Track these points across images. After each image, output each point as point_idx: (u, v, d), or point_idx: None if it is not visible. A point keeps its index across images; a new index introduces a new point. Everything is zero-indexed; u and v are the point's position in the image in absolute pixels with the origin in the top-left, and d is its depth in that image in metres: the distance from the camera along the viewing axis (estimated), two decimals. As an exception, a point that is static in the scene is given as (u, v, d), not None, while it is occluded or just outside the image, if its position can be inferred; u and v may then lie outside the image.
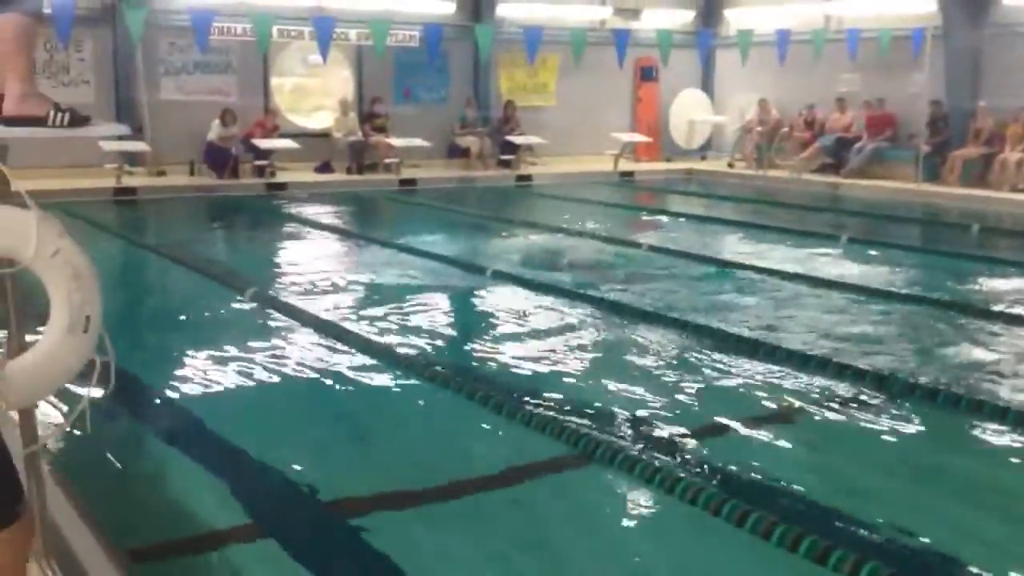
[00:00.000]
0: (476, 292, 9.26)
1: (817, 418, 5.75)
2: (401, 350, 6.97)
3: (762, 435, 5.51)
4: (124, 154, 15.38)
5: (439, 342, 7.37)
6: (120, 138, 13.71)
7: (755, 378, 6.45)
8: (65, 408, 3.97)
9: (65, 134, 3.24)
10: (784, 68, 18.40)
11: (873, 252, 11.15)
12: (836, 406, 5.95)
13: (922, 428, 5.70)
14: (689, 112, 21.49)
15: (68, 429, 3.20)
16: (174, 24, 16.56)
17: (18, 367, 3.02)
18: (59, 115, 3.24)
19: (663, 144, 21.32)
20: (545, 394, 6.08)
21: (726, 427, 5.61)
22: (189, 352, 6.98)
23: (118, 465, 5.03)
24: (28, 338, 3.12)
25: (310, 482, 4.77)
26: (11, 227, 2.98)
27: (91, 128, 3.41)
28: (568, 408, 5.78)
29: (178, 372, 6.55)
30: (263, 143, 16.63)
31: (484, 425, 5.61)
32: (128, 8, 15.46)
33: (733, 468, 4.98)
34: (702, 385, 6.33)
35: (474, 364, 6.86)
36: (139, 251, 11.51)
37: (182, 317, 8.18)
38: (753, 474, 4.92)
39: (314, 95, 19.16)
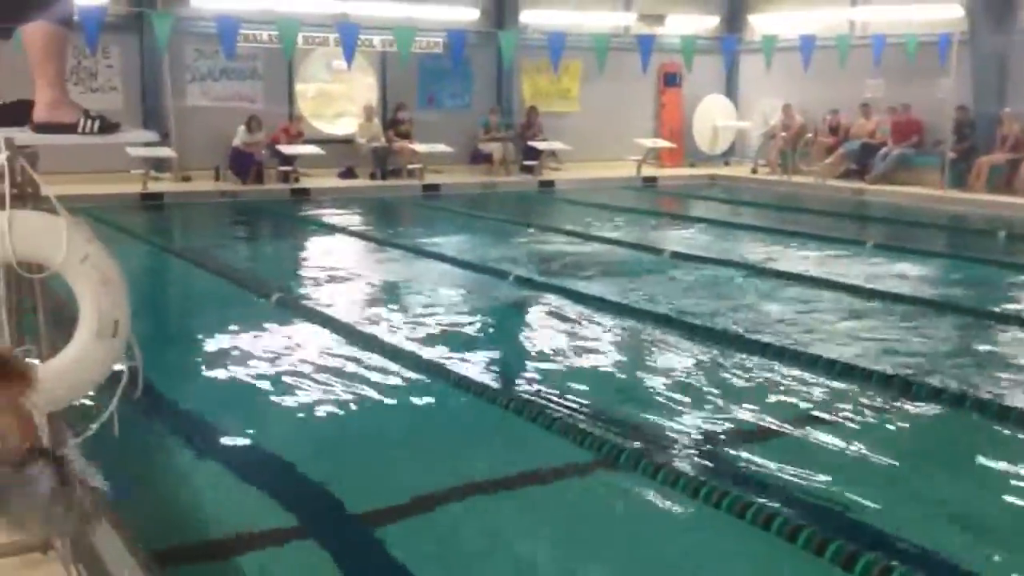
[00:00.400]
0: (498, 297, 9.27)
1: (842, 423, 5.72)
2: (425, 355, 6.99)
3: (787, 440, 5.49)
4: (150, 160, 15.52)
5: (462, 346, 7.38)
6: (147, 144, 13.82)
7: (780, 384, 6.43)
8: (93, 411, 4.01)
9: (95, 141, 3.28)
10: (808, 73, 18.31)
11: (899, 258, 11.08)
12: (862, 411, 5.92)
13: (949, 434, 5.66)
14: (713, 118, 21.44)
15: (95, 433, 3.24)
16: (201, 31, 16.69)
17: (47, 371, 3.06)
18: (89, 122, 3.28)
19: (686, 150, 21.28)
20: (568, 398, 6.09)
21: (750, 432, 5.60)
22: (215, 357, 7.03)
23: (145, 468, 5.07)
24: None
25: (336, 486, 4.79)
26: (41, 233, 3.03)
27: (121, 135, 3.45)
28: (591, 413, 5.78)
29: (204, 376, 6.60)
30: (288, 149, 16.73)
31: (507, 429, 5.62)
32: (155, 15, 15.59)
33: (758, 473, 4.96)
34: (726, 390, 6.31)
35: (497, 368, 6.87)
36: (165, 256, 11.60)
37: (208, 322, 8.24)
38: (778, 479, 4.91)
39: (338, 101, 19.25)
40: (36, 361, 3.07)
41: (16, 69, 3.61)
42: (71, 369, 3.07)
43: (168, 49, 15.97)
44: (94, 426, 3.18)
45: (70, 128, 3.31)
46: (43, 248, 3.03)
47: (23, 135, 3.24)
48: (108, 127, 3.34)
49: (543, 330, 7.94)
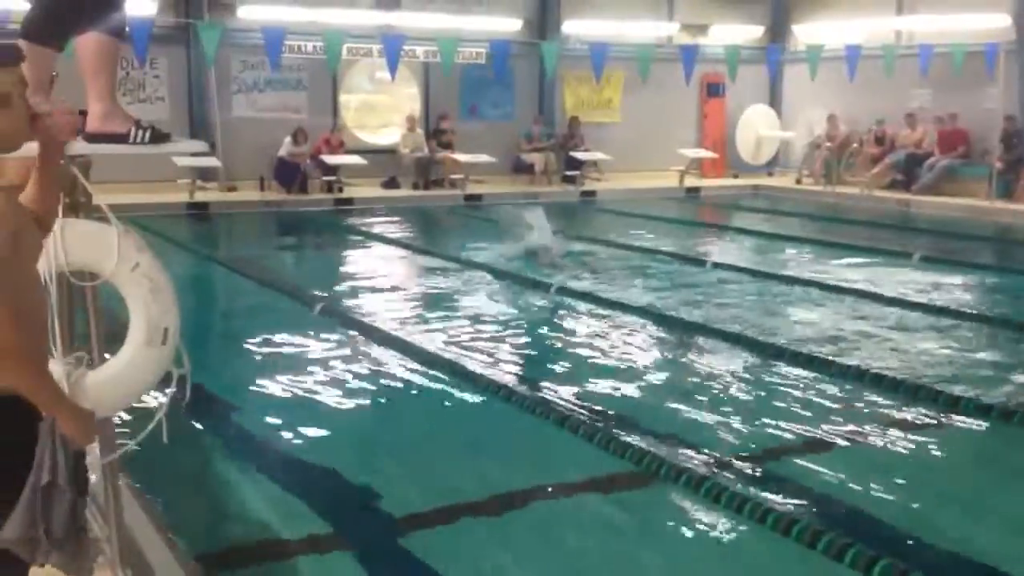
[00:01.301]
0: (541, 307, 9.26)
1: (888, 439, 5.65)
2: (467, 364, 7.00)
3: (832, 455, 5.43)
4: (197, 170, 15.70)
5: (504, 356, 7.39)
6: (194, 154, 13.98)
7: (825, 397, 6.37)
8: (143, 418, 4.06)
9: (146, 151, 3.33)
10: (854, 83, 18.14)
11: (946, 271, 10.92)
12: (909, 426, 5.85)
13: (997, 450, 5.57)
14: (756, 128, 21.29)
15: (144, 439, 3.27)
16: (247, 43, 16.87)
17: (98, 378, 3.10)
18: (140, 132, 3.32)
19: (730, 160, 21.15)
20: (609, 410, 6.07)
21: (795, 446, 5.54)
22: (259, 365, 7.09)
23: (191, 475, 5.12)
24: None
25: (378, 494, 4.82)
26: (93, 241, 3.07)
27: (171, 145, 3.49)
28: (633, 425, 5.76)
29: (249, 384, 6.65)
30: (331, 159, 16.85)
31: (548, 440, 5.61)
32: (203, 27, 15.79)
33: (803, 488, 4.91)
34: (770, 403, 6.26)
35: (538, 379, 6.86)
36: (211, 265, 11.72)
37: (252, 330, 8.31)
38: (823, 494, 4.85)
39: (382, 111, 19.36)
40: (87, 368, 3.12)
41: (69, 79, 3.66)
42: (121, 376, 3.11)
43: (215, 60, 16.16)
44: (143, 433, 3.22)
45: (121, 138, 3.35)
46: (95, 257, 3.08)
47: (76, 145, 3.29)
48: (159, 137, 3.38)
49: (585, 340, 7.92)
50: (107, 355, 3.24)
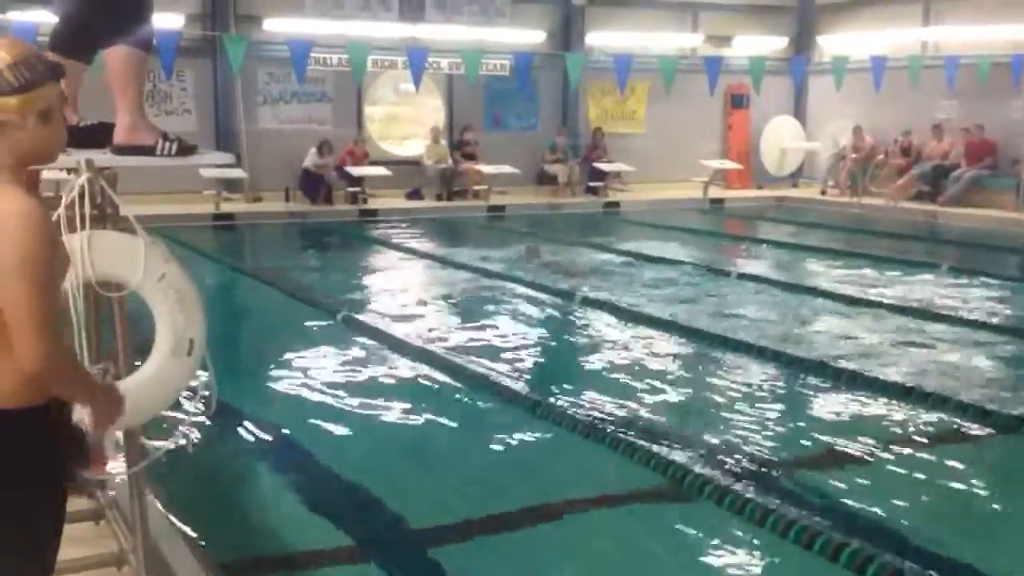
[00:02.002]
0: (565, 318, 9.26)
1: (915, 452, 5.60)
2: (490, 375, 7.00)
3: (858, 468, 5.39)
4: (223, 181, 15.81)
5: (528, 367, 7.38)
6: (219, 165, 14.08)
7: (852, 409, 6.32)
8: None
9: (173, 163, 3.35)
10: (879, 95, 18.05)
11: (974, 283, 10.83)
12: (936, 440, 5.79)
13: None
14: (781, 139, 21.21)
15: (170, 449, 3.29)
16: (273, 55, 16.99)
17: (124, 389, 3.12)
18: (167, 144, 3.35)
19: (754, 171, 21.07)
20: (634, 421, 6.05)
21: (820, 459, 5.51)
22: (283, 374, 7.11)
23: (216, 484, 5.14)
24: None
25: (403, 505, 4.81)
26: (120, 252, 3.10)
27: (197, 157, 3.51)
28: (657, 436, 5.74)
29: (273, 394, 6.68)
30: (356, 170, 16.92)
31: (572, 451, 5.60)
32: (229, 39, 15.90)
33: (827, 501, 4.87)
34: (796, 416, 6.22)
35: (563, 390, 6.85)
36: (236, 275, 11.79)
37: (277, 340, 8.35)
38: (848, 507, 4.81)
39: (406, 123, 19.43)
40: (114, 379, 3.14)
41: (97, 92, 3.70)
42: (147, 387, 3.12)
43: (241, 72, 16.27)
44: (169, 442, 3.23)
45: (149, 150, 3.38)
46: (121, 267, 3.10)
47: (103, 156, 3.32)
48: (185, 149, 3.41)
49: (609, 351, 7.90)
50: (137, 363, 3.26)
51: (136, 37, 3.41)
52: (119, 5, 3.35)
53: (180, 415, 3.33)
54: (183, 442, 3.22)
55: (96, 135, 3.47)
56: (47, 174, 3.78)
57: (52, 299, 2.34)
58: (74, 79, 3.57)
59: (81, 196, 3.10)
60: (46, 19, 3.54)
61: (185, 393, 3.26)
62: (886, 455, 5.58)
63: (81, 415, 2.57)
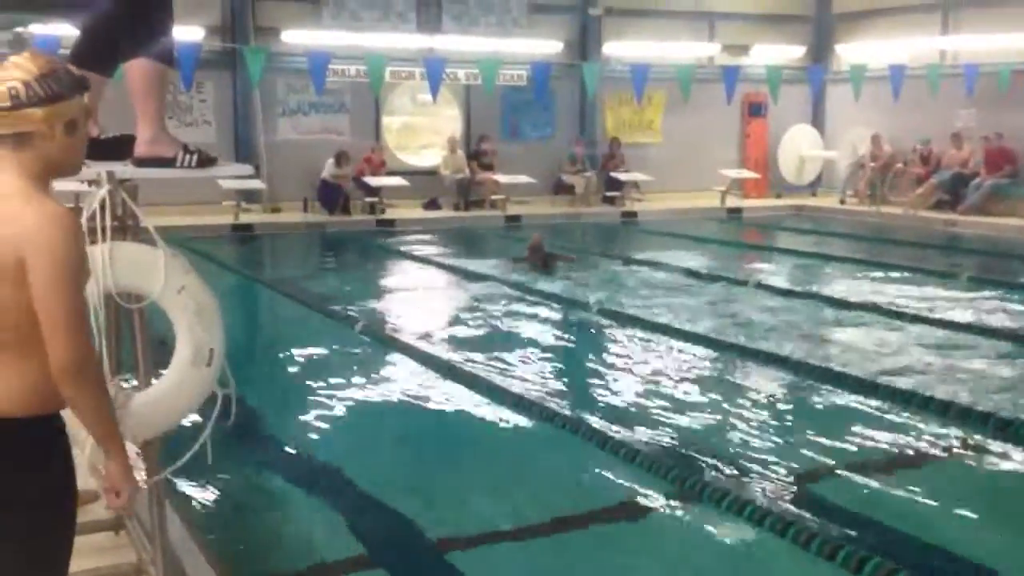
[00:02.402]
0: (581, 328, 9.25)
1: (936, 462, 5.57)
2: (507, 385, 7.00)
3: (879, 478, 5.35)
4: (242, 192, 15.89)
5: (546, 378, 7.38)
6: (239, 177, 14.15)
7: (871, 419, 6.28)
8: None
9: (193, 175, 3.37)
10: (898, 103, 17.99)
11: (994, 292, 10.75)
12: (958, 450, 5.75)
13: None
14: (799, 148, 21.15)
15: (189, 460, 3.30)
16: (291, 67, 17.08)
17: (144, 399, 3.14)
18: (187, 156, 3.37)
19: (772, 180, 21.03)
20: (651, 431, 6.03)
21: (840, 470, 5.47)
22: (302, 385, 7.13)
23: (235, 496, 5.15)
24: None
25: (420, 516, 4.82)
26: (141, 264, 3.12)
27: (217, 169, 3.53)
28: (675, 446, 5.72)
29: (292, 405, 6.70)
30: (374, 181, 16.98)
31: (590, 461, 5.59)
32: (249, 51, 16.00)
33: (848, 513, 4.85)
34: (815, 425, 6.19)
35: (580, 401, 6.84)
36: (255, 285, 11.84)
37: (295, 350, 8.37)
38: (870, 519, 4.78)
39: (423, 133, 19.49)
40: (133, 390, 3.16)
41: (119, 104, 3.73)
42: (167, 397, 3.14)
43: (260, 84, 16.37)
44: (189, 454, 3.25)
45: (169, 162, 3.40)
46: (142, 278, 3.12)
47: (124, 169, 3.34)
48: (205, 161, 3.43)
49: (626, 361, 7.89)
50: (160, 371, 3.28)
51: (157, 50, 3.43)
52: (140, 19, 3.37)
53: (199, 425, 3.34)
54: (202, 453, 3.23)
55: (117, 147, 3.49)
56: (68, 185, 3.82)
57: (83, 300, 2.41)
58: (95, 92, 3.59)
59: (102, 208, 3.13)
60: (67, 32, 3.57)
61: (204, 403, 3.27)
62: (908, 466, 5.55)
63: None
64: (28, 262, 2.29)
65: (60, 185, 3.16)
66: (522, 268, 11.90)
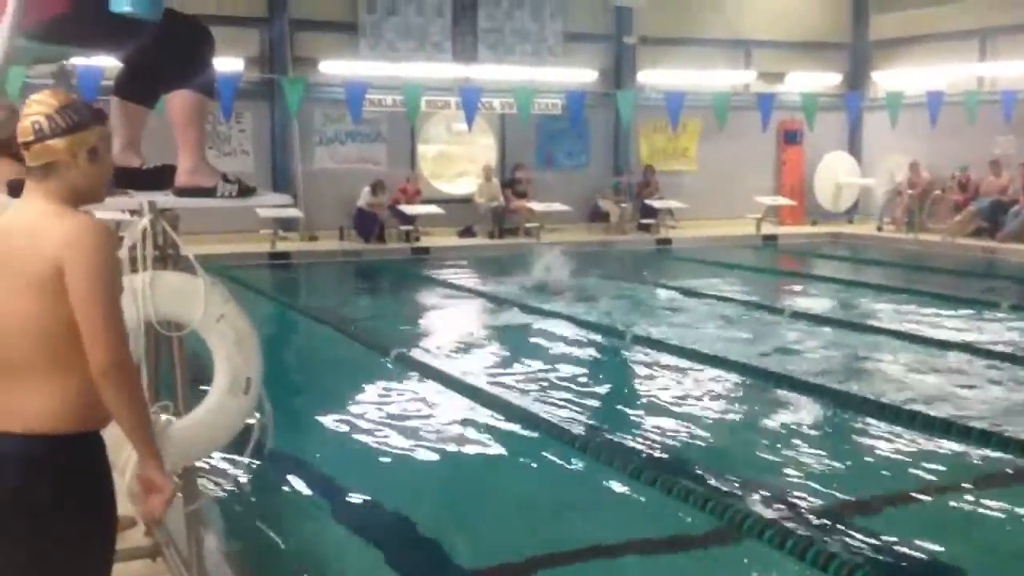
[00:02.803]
0: (616, 356, 9.21)
1: (977, 493, 5.47)
2: (542, 414, 6.98)
3: (919, 509, 5.28)
4: (279, 220, 16.03)
5: (579, 406, 7.35)
6: (277, 206, 14.29)
7: (912, 450, 6.20)
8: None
9: (233, 204, 3.41)
10: (935, 130, 17.86)
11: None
12: (996, 481, 5.66)
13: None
14: (835, 175, 21.03)
15: (225, 487, 3.32)
16: (328, 97, 17.27)
17: (182, 427, 3.17)
18: (228, 186, 3.41)
19: (808, 207, 20.91)
20: (687, 461, 5.99)
21: (881, 501, 5.40)
22: (337, 412, 7.15)
23: (271, 523, 5.16)
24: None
25: (455, 545, 4.80)
26: (181, 292, 3.15)
27: (256, 199, 3.57)
28: (712, 477, 5.67)
29: (327, 432, 6.71)
30: (409, 209, 17.08)
31: (624, 491, 5.55)
32: (287, 81, 16.20)
33: (887, 543, 4.77)
34: (855, 456, 6.12)
35: (614, 429, 6.81)
36: (291, 313, 11.91)
37: (331, 378, 8.40)
38: (906, 549, 4.71)
39: (458, 161, 19.60)
40: (172, 417, 3.18)
41: (160, 134, 3.78)
42: (205, 425, 3.17)
43: (297, 114, 16.55)
44: (226, 481, 3.26)
45: (209, 192, 3.44)
46: (182, 307, 3.16)
47: (165, 198, 3.39)
48: (245, 191, 3.47)
49: (661, 390, 7.84)
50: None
51: (198, 81, 3.48)
52: (182, 52, 3.42)
53: (236, 453, 3.36)
54: (238, 480, 3.25)
55: (159, 177, 3.54)
56: (109, 214, 3.88)
57: (120, 306, 2.50)
58: (137, 123, 3.67)
59: (143, 237, 3.17)
60: (110, 63, 3.64)
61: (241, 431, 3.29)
62: (946, 496, 5.46)
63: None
64: (66, 271, 2.39)
65: (102, 214, 3.22)
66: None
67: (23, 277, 2.41)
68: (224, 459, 4.03)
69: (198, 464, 3.37)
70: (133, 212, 3.29)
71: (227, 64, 15.79)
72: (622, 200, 18.98)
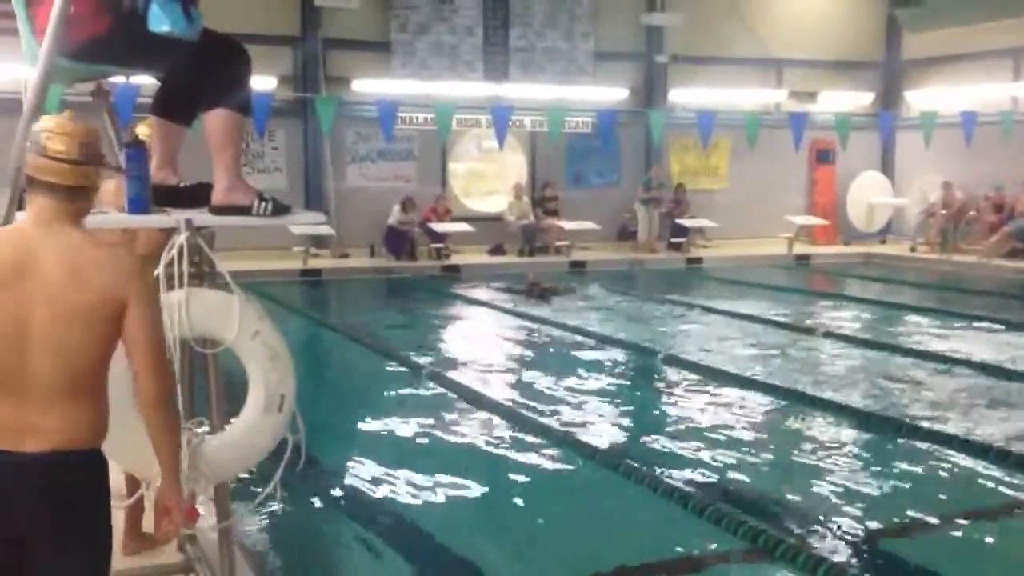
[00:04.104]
0: (647, 375, 9.17)
1: (1012, 518, 5.39)
2: (574, 433, 6.95)
3: (955, 534, 5.21)
4: (311, 237, 16.13)
5: (610, 426, 7.32)
6: (311, 224, 14.36)
7: (947, 474, 6.12)
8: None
9: (268, 223, 3.43)
10: (969, 150, 17.71)
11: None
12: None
13: None
14: (868, 195, 20.89)
15: (260, 504, 3.33)
16: (361, 115, 17.38)
17: (217, 443, 3.18)
18: (263, 204, 3.43)
19: (840, 227, 20.78)
20: (720, 483, 5.94)
21: (916, 525, 5.33)
22: (369, 430, 7.17)
23: (303, 540, 5.17)
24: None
25: (487, 564, 4.78)
26: (217, 310, 3.17)
27: (291, 217, 3.58)
28: (745, 500, 5.62)
29: (358, 450, 6.72)
30: (440, 227, 17.13)
31: (656, 513, 5.51)
32: (320, 100, 16.32)
33: (921, 569, 4.71)
34: (890, 480, 6.04)
35: (646, 449, 6.77)
36: (323, 330, 11.95)
37: (363, 395, 8.42)
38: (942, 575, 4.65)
39: (488, 179, 19.65)
40: (207, 433, 3.20)
41: (196, 153, 3.81)
42: (240, 442, 3.18)
43: (330, 132, 16.66)
44: (259, 498, 3.27)
45: (245, 210, 3.45)
46: (217, 324, 3.17)
47: (202, 216, 3.41)
48: (280, 209, 3.48)
49: (694, 411, 7.79)
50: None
51: (235, 100, 3.50)
52: (220, 70, 3.45)
53: (269, 470, 3.36)
54: (272, 497, 3.25)
55: (195, 195, 3.56)
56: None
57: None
58: (175, 141, 3.69)
59: (180, 255, 3.19)
60: (146, 81, 3.68)
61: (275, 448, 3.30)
62: (983, 521, 5.38)
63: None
64: (131, 304, 2.51)
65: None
66: (521, 299, 13.62)
67: (64, 305, 2.46)
68: (257, 476, 4.03)
69: (231, 481, 3.37)
70: (170, 230, 3.30)
71: (261, 83, 15.93)
72: (654, 197, 18.82)
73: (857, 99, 20.98)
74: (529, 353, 10.24)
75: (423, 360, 9.38)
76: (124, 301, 2.49)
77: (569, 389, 8.42)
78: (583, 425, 7.24)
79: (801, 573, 4.60)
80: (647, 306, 13.47)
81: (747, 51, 19.82)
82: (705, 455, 6.53)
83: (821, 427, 7.25)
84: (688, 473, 6.14)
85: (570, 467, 6.33)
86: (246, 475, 3.96)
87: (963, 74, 19.36)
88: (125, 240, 3.78)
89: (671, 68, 19.67)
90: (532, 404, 7.87)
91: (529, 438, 6.89)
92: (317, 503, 5.68)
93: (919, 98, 20.46)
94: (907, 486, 5.91)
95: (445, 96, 17.24)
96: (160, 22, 3.11)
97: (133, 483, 3.98)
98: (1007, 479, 5.99)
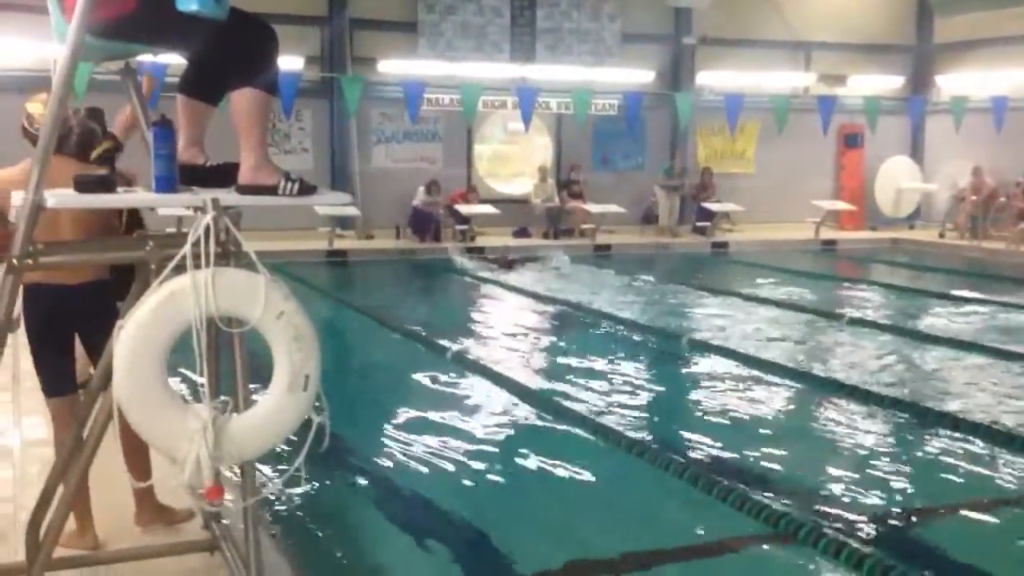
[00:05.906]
0: (672, 359, 9.15)
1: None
2: (599, 418, 6.95)
3: (979, 521, 5.17)
4: (336, 218, 16.17)
5: (634, 410, 7.30)
6: (336, 204, 14.39)
7: (972, 461, 6.07)
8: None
9: (294, 203, 3.43)
10: (1000, 135, 17.50)
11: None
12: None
13: None
14: (897, 180, 20.70)
15: (283, 485, 3.34)
16: (387, 96, 17.40)
17: (242, 423, 3.19)
18: (289, 184, 3.42)
19: (868, 212, 20.61)
20: (743, 468, 5.92)
21: (939, 511, 5.31)
22: (394, 411, 7.19)
23: (328, 522, 5.19)
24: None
25: (513, 548, 4.80)
26: (242, 289, 3.17)
27: (317, 197, 3.58)
28: (767, 484, 5.60)
29: (383, 431, 6.74)
30: (465, 209, 17.13)
31: (679, 497, 5.50)
32: (346, 80, 16.33)
33: (946, 556, 4.69)
34: (914, 466, 6.01)
35: (670, 433, 6.76)
36: (348, 311, 11.99)
37: (387, 376, 8.45)
38: (967, 563, 4.61)
39: (514, 161, 19.62)
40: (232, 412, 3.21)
41: (221, 132, 3.81)
42: (264, 421, 3.18)
43: (356, 113, 16.67)
44: (283, 477, 3.28)
45: (271, 190, 3.45)
46: (243, 304, 3.17)
47: (228, 196, 3.41)
48: (306, 189, 3.48)
49: (717, 396, 7.77)
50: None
51: (262, 80, 3.50)
52: (248, 50, 3.44)
53: (294, 450, 3.38)
54: (296, 477, 3.26)
55: (221, 175, 3.57)
56: (172, 211, 3.91)
57: None
58: (202, 120, 3.70)
59: (206, 234, 3.19)
60: (173, 60, 3.69)
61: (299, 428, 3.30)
62: (1008, 508, 5.34)
63: None
64: None
65: (165, 210, 3.24)
66: (489, 266, 14.96)
67: None
68: (281, 455, 4.05)
69: (256, 460, 3.39)
70: (196, 209, 3.31)
71: (288, 62, 15.96)
72: (675, 184, 18.74)
73: (887, 83, 20.78)
74: (552, 336, 10.24)
75: (448, 341, 9.39)
76: None
77: (593, 372, 8.41)
78: (607, 409, 7.23)
79: (823, 557, 4.59)
80: (672, 290, 13.42)
81: (776, 33, 19.66)
82: (729, 439, 6.51)
83: (845, 412, 7.21)
84: (711, 457, 6.13)
85: (593, 450, 6.33)
86: (271, 454, 3.97)
87: (994, 59, 19.12)
88: None
89: (698, 50, 19.54)
90: (555, 387, 7.87)
91: (552, 420, 6.89)
92: (342, 483, 5.71)
93: (950, 82, 20.23)
94: (931, 472, 5.88)
95: (471, 77, 17.20)
96: (188, 1, 3.11)
97: (141, 462, 4.02)
98: (1034, 468, 5.95)
